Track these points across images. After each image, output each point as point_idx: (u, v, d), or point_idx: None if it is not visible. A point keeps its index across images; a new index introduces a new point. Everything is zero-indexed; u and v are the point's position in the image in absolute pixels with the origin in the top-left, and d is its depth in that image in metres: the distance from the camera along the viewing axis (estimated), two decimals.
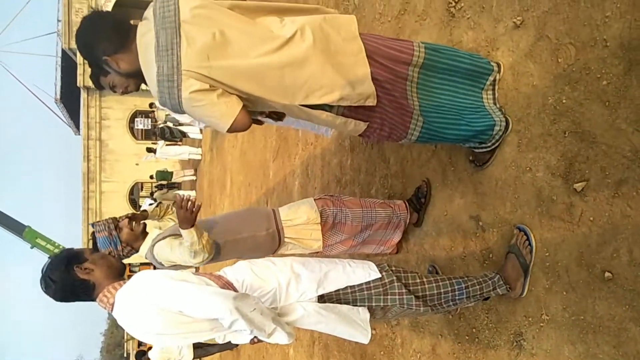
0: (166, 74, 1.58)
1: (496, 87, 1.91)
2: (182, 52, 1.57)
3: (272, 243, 2.27)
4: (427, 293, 1.72)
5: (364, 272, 1.68)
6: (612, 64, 1.46)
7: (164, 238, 2.18)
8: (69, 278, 1.59)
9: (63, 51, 18.90)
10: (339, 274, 1.67)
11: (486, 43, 1.96)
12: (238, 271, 1.69)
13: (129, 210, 20.53)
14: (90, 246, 2.30)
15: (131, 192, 21.25)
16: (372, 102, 1.72)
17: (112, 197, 20.43)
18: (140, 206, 20.56)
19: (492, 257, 1.98)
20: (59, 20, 18.18)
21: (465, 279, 1.79)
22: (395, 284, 1.68)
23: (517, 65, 1.81)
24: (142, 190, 22.03)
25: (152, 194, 15.74)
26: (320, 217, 2.28)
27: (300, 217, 2.28)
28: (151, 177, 15.83)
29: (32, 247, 20.06)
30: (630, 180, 1.41)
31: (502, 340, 1.91)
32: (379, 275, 1.68)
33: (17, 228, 19.55)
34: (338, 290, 1.65)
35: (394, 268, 1.75)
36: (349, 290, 1.67)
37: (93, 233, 2.27)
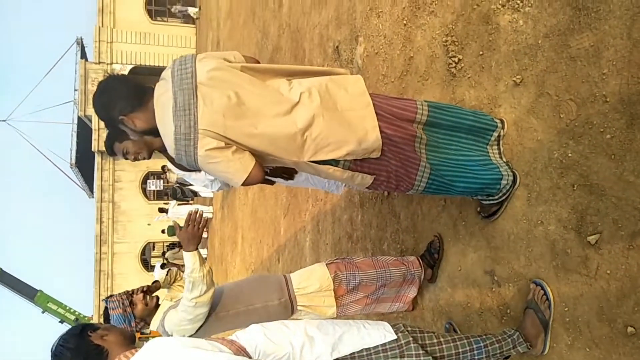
0: (183, 133, 1.66)
1: (501, 142, 1.94)
2: (199, 112, 1.66)
3: (284, 312, 2.25)
4: (445, 353, 1.67)
5: (379, 334, 1.65)
6: (614, 119, 1.49)
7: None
8: (83, 343, 1.57)
9: (79, 118, 19.57)
10: (353, 336, 1.64)
11: (488, 100, 2.02)
12: (250, 335, 1.66)
13: (141, 270, 20.46)
14: (102, 319, 2.29)
15: (143, 253, 21.22)
16: (376, 154, 1.77)
17: (124, 258, 20.41)
18: (152, 266, 20.48)
19: (510, 313, 1.94)
20: (75, 90, 18.93)
21: (484, 337, 1.74)
22: (412, 345, 1.64)
23: (520, 121, 1.85)
24: (153, 249, 22.01)
25: (163, 253, 15.71)
26: (333, 283, 2.26)
27: (312, 285, 2.26)
28: (163, 231, 15.81)
29: (43, 312, 19.87)
30: None
31: None
32: (395, 337, 1.64)
33: (29, 293, 19.46)
34: (353, 353, 1.61)
35: (409, 328, 1.71)
36: (365, 353, 1.63)
37: (105, 309, 2.25)
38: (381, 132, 1.76)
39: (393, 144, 1.78)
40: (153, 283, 2.52)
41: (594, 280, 1.55)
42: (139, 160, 2.23)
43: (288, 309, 2.25)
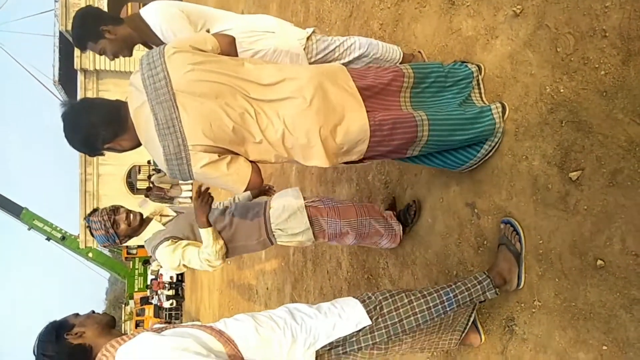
0: (173, 153, 1.57)
1: (482, 86, 1.95)
2: (185, 127, 1.55)
3: (263, 247, 2.35)
4: (417, 310, 1.70)
5: (353, 322, 1.66)
6: (610, 54, 1.46)
7: (165, 239, 2.18)
8: (63, 348, 1.55)
9: (60, 33, 18.70)
10: (328, 331, 1.64)
11: (485, 31, 1.96)
12: (241, 327, 1.60)
13: (127, 193, 20.53)
14: (90, 235, 2.25)
15: (129, 175, 21.20)
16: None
17: (110, 180, 20.37)
18: (138, 189, 20.55)
19: (487, 244, 2.01)
20: (56, 1, 17.93)
21: (454, 287, 1.77)
22: (380, 320, 1.67)
23: (516, 54, 1.81)
24: (139, 173, 21.99)
25: (149, 177, 15.74)
26: (314, 227, 2.29)
27: (291, 228, 2.29)
28: (148, 162, 15.79)
29: (29, 229, 20.09)
30: (625, 170, 1.43)
31: (494, 325, 1.95)
32: (370, 323, 1.65)
33: (14, 210, 19.55)
34: (331, 342, 1.63)
35: (380, 297, 1.72)
36: (340, 340, 1.65)
37: (89, 227, 2.23)
38: (373, 133, 1.70)
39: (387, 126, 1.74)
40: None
41: (571, 215, 1.60)
42: (118, 57, 2.16)
43: (267, 244, 2.33)
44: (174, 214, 2.38)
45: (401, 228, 2.50)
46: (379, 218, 2.44)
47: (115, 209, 2.24)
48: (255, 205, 2.39)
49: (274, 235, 2.30)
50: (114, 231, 2.18)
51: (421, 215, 2.46)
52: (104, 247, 2.26)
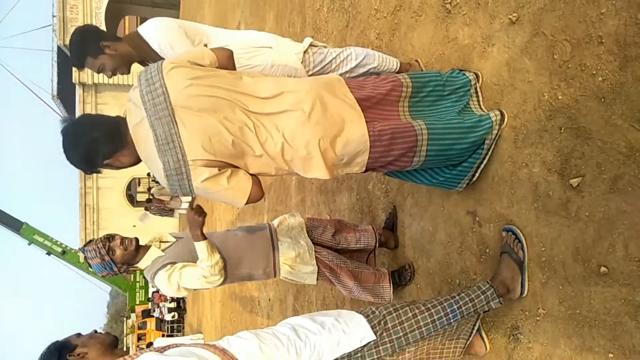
0: (173, 168, 1.56)
1: (479, 94, 1.95)
2: (184, 143, 1.55)
3: (267, 277, 2.34)
4: (422, 323, 1.68)
5: (358, 337, 1.64)
6: (607, 61, 1.46)
7: (163, 266, 2.17)
8: None
9: (59, 48, 18.81)
10: (333, 345, 1.62)
11: (482, 39, 1.97)
12: (244, 345, 1.58)
13: (126, 205, 20.54)
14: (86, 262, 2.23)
15: (128, 188, 21.22)
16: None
17: (109, 193, 20.41)
18: (138, 201, 20.55)
19: (489, 252, 2.00)
20: (54, 16, 18.06)
21: (457, 298, 1.75)
22: (385, 335, 1.65)
23: (513, 61, 1.81)
24: (139, 185, 22.00)
25: (149, 189, 15.72)
26: (319, 275, 2.34)
27: (298, 266, 2.31)
28: (148, 174, 15.80)
29: (29, 244, 20.03)
30: (625, 176, 1.42)
31: (499, 334, 1.93)
32: (375, 338, 1.63)
33: (14, 225, 19.50)
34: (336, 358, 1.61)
35: (385, 311, 1.71)
36: (345, 356, 1.64)
37: (85, 257, 2.22)
38: (373, 143, 1.70)
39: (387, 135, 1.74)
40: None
41: (573, 222, 1.59)
42: (116, 75, 2.16)
43: (270, 276, 2.32)
44: (174, 240, 2.37)
45: (391, 293, 2.50)
46: (371, 291, 2.46)
47: (109, 237, 2.23)
48: (260, 232, 2.38)
49: (280, 268, 2.31)
50: (109, 258, 2.18)
51: (414, 278, 2.55)
52: (103, 277, 2.24)
